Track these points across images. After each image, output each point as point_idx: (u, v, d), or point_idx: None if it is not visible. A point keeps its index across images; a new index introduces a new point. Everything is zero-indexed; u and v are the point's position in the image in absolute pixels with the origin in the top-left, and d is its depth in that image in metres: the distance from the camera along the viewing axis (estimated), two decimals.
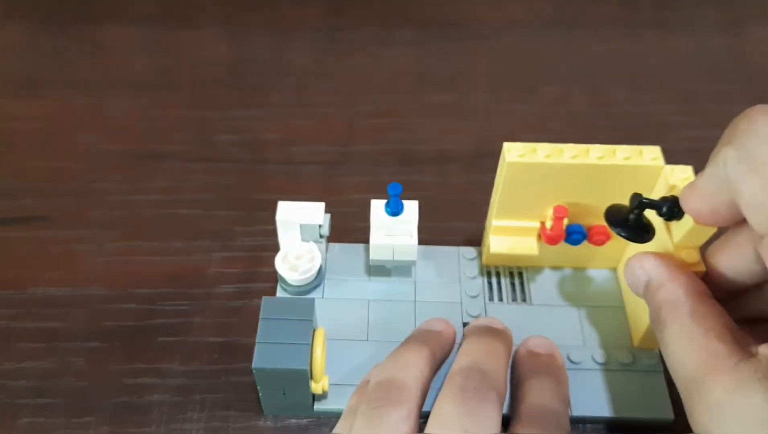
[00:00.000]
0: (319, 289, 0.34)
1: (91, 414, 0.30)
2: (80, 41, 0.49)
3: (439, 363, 0.29)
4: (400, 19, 0.51)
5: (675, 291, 0.25)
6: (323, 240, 0.33)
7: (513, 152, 0.29)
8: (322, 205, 0.32)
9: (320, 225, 0.32)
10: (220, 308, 0.34)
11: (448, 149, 0.42)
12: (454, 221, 0.38)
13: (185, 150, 0.42)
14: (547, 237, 0.32)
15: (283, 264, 0.33)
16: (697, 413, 0.22)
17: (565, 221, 0.31)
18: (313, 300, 0.29)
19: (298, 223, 0.32)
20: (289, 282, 0.33)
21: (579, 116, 0.45)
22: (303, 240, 0.33)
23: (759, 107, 0.23)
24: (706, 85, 0.47)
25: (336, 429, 0.27)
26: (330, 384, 0.30)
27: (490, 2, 0.53)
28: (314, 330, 0.29)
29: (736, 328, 0.24)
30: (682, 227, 0.27)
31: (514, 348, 0.31)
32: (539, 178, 0.30)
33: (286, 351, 0.28)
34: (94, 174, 0.40)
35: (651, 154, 0.29)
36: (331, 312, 0.33)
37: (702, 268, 0.27)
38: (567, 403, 0.28)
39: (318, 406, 0.30)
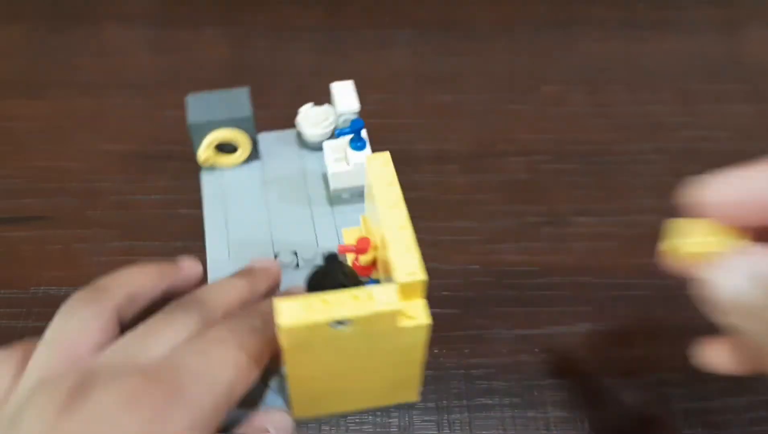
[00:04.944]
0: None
1: None
2: (81, 41, 0.49)
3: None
4: (399, 19, 0.51)
5: None
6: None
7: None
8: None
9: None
10: None
11: (447, 149, 0.42)
12: (452, 221, 0.38)
13: (185, 150, 0.42)
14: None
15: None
16: None
17: None
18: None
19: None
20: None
21: (578, 116, 0.45)
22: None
23: None
24: (705, 85, 0.47)
25: None
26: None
27: (490, 2, 0.53)
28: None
29: None
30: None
31: None
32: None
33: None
34: (95, 174, 0.40)
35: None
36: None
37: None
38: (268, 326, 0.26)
39: None
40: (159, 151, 0.42)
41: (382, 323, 0.25)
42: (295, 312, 0.23)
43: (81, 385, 0.22)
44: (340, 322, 0.24)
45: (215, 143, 0.37)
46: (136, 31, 0.50)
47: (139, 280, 0.29)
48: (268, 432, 0.27)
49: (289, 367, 0.26)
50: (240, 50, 0.49)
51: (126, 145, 0.42)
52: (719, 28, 0.51)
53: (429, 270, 0.25)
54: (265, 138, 0.40)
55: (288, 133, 0.40)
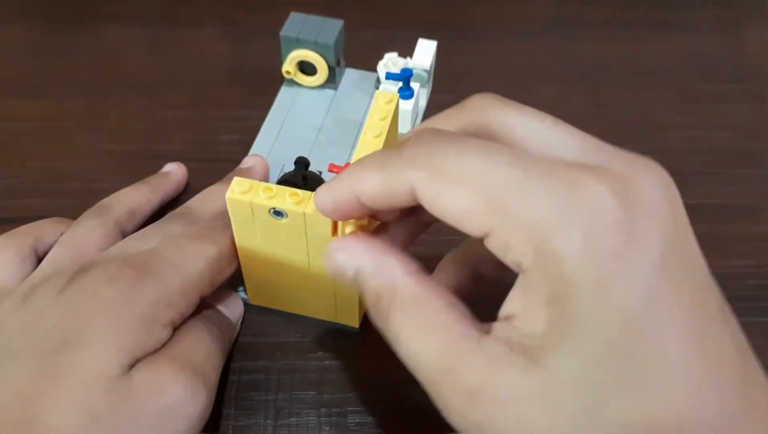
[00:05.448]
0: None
1: None
2: (81, 41, 0.49)
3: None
4: (399, 19, 0.51)
5: (391, 276, 0.22)
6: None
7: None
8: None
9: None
10: None
11: None
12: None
13: (186, 150, 0.42)
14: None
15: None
16: (453, 404, 0.20)
17: None
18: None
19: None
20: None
21: (577, 117, 0.44)
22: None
23: (424, 134, 0.22)
24: (704, 85, 0.47)
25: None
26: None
27: (490, 3, 0.53)
28: None
29: (457, 300, 0.22)
30: None
31: None
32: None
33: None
34: (94, 174, 0.40)
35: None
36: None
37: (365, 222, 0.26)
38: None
39: None
40: (159, 151, 0.42)
41: (314, 227, 0.27)
42: (241, 189, 0.27)
43: (79, 272, 0.27)
44: (278, 213, 0.27)
45: (297, 60, 0.41)
46: (136, 31, 0.50)
47: (134, 197, 0.35)
48: (216, 308, 0.32)
49: (237, 242, 0.30)
50: (240, 50, 0.49)
51: (126, 145, 0.42)
52: (719, 28, 0.51)
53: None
54: (350, 74, 0.44)
55: (373, 76, 0.44)
